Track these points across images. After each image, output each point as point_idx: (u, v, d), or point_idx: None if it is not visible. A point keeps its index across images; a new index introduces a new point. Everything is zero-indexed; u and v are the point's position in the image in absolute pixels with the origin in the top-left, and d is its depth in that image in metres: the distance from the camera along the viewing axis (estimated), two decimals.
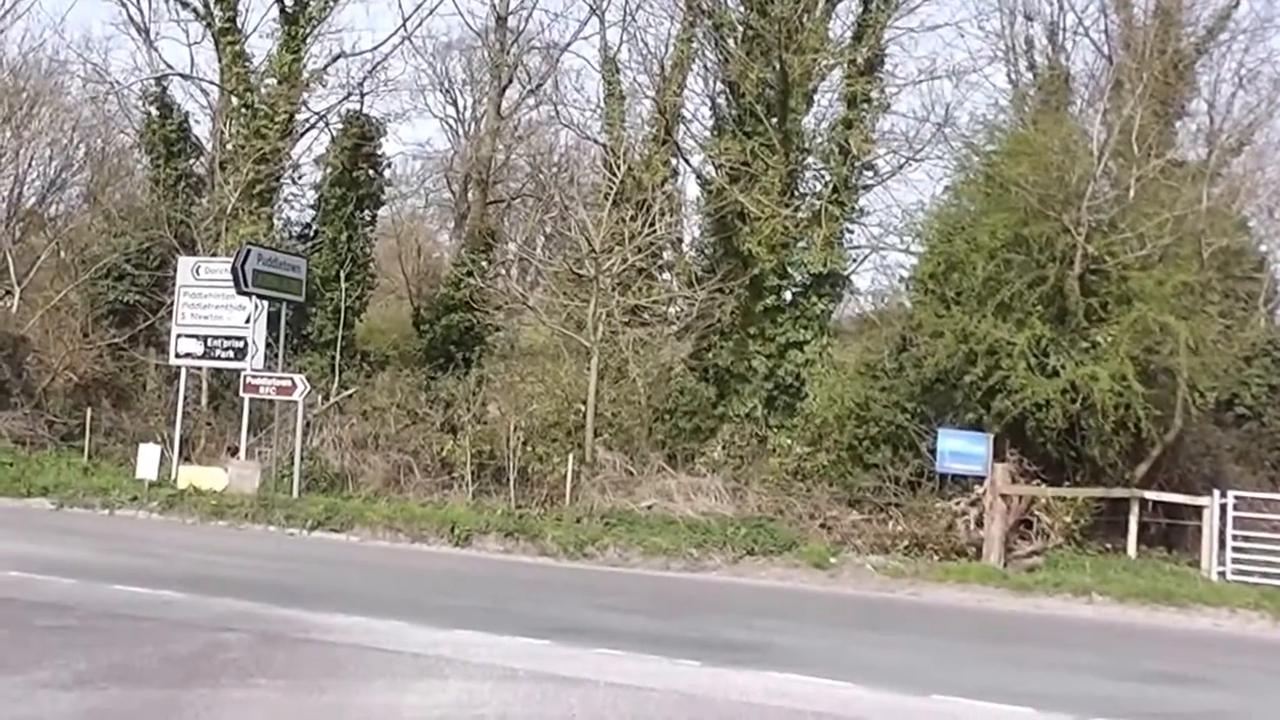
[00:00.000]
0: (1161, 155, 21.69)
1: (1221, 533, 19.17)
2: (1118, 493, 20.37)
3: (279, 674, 9.42)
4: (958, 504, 20.50)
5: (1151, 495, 20.27)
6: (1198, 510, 19.67)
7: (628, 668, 10.49)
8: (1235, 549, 19.05)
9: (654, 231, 25.24)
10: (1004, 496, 19.64)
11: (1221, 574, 18.87)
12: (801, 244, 25.72)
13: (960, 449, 20.37)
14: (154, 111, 30.91)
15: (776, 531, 20.40)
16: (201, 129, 32.11)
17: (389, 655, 10.38)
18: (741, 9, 26.46)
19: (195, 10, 31.42)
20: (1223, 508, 19.22)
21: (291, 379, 23.54)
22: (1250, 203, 23.92)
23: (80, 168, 32.72)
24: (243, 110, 30.48)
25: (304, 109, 31.46)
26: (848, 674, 10.66)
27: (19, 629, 10.85)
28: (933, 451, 20.83)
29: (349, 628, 11.56)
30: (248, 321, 24.40)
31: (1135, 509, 20.01)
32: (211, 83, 32.34)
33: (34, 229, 32.27)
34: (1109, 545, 20.13)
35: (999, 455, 20.21)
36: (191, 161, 31.13)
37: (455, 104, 38.77)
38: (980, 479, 20.08)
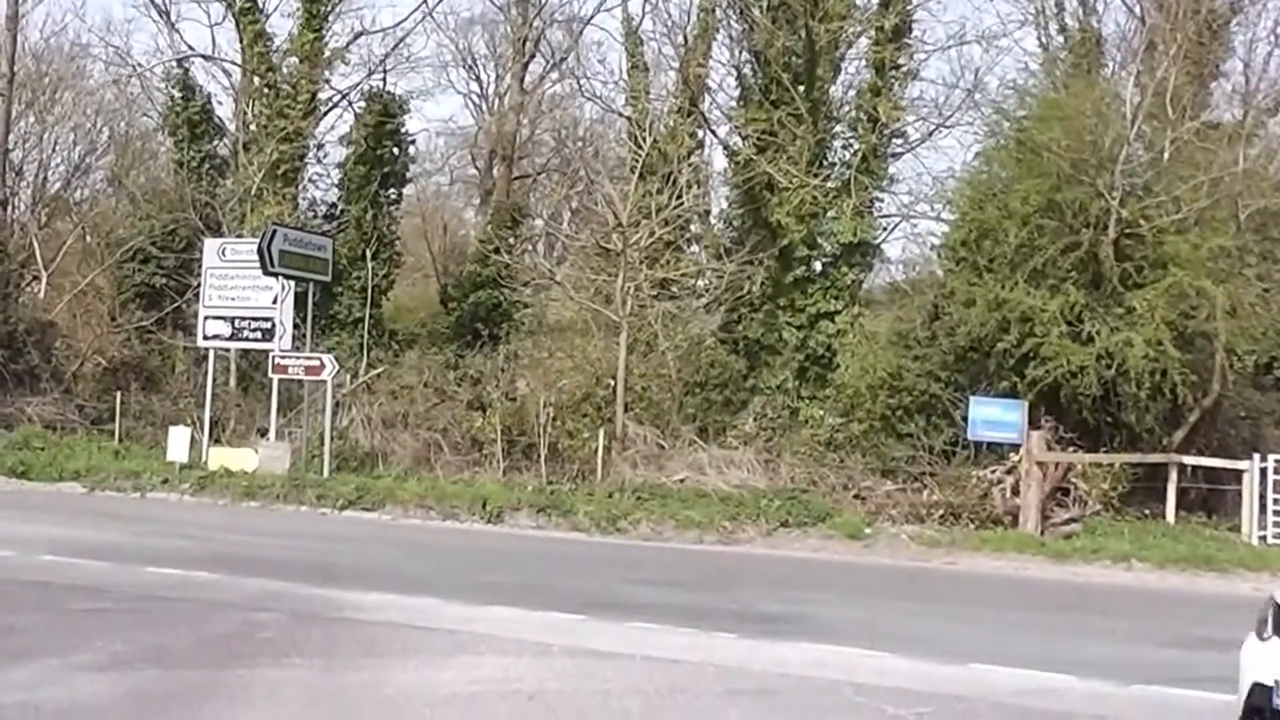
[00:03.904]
0: (1196, 117, 21.40)
1: (1262, 497, 18.98)
2: (1155, 458, 20.15)
3: (314, 653, 9.38)
4: (993, 472, 20.30)
5: (1190, 460, 20.04)
6: (1237, 475, 19.46)
7: (663, 641, 10.41)
8: (1276, 512, 18.84)
9: (681, 204, 25.08)
10: (1039, 464, 19.43)
11: (1262, 538, 18.69)
12: (831, 214, 25.48)
13: (994, 417, 20.17)
14: (176, 93, 30.89)
15: (810, 503, 20.27)
16: (224, 110, 32.18)
17: (424, 632, 10.33)
18: None
19: None
20: (1263, 472, 19.01)
21: (320, 359, 23.53)
22: None
23: (104, 151, 32.79)
24: (265, 90, 30.41)
25: (326, 88, 31.39)
26: (885, 644, 10.55)
27: (55, 612, 10.83)
28: (966, 420, 20.63)
29: (383, 606, 11.52)
30: (275, 302, 24.37)
31: (1173, 474, 19.80)
32: (233, 63, 32.33)
33: (59, 214, 32.36)
34: (1147, 511, 19.92)
35: (1033, 423, 20.01)
36: (215, 143, 31.12)
37: (478, 80, 38.62)
38: (1015, 447, 19.89)
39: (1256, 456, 19.31)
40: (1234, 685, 9.26)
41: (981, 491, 20.14)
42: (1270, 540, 18.56)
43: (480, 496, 20.67)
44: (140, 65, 33.45)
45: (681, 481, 21.95)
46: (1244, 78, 25.11)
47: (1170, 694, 9.27)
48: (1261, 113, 24.00)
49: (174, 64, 31.54)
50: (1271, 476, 18.96)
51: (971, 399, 20.62)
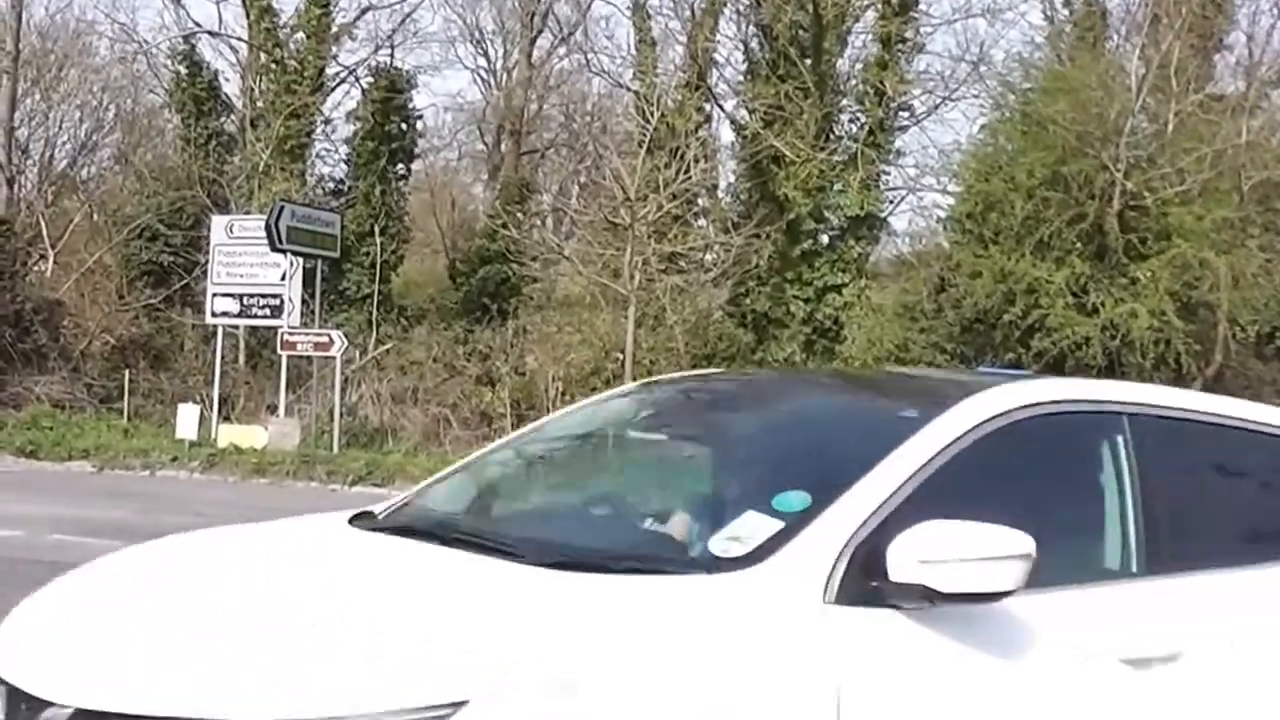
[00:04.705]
0: (1200, 89, 21.43)
1: None
2: None
3: None
4: None
5: None
6: None
7: None
8: None
9: (688, 178, 25.11)
10: None
11: None
12: (837, 187, 25.53)
13: None
14: (183, 70, 30.84)
15: None
16: (231, 86, 32.10)
17: None
18: None
19: None
20: None
21: (329, 335, 23.61)
22: None
23: (110, 129, 32.77)
24: (272, 66, 30.40)
25: (334, 63, 31.38)
26: None
27: None
28: None
29: None
30: (283, 279, 24.42)
31: None
32: (240, 39, 32.29)
33: (66, 192, 32.39)
34: None
35: None
36: (222, 120, 31.09)
37: (486, 55, 38.56)
38: None
39: None
40: None
41: None
42: None
43: None
44: (146, 42, 33.44)
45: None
46: (1247, 50, 25.10)
47: None
48: (1265, 85, 23.98)
49: (180, 40, 31.50)
50: None
51: (978, 370, 20.70)
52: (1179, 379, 20.47)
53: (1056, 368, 20.56)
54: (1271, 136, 22.47)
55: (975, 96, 25.92)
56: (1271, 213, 21.28)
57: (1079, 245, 20.66)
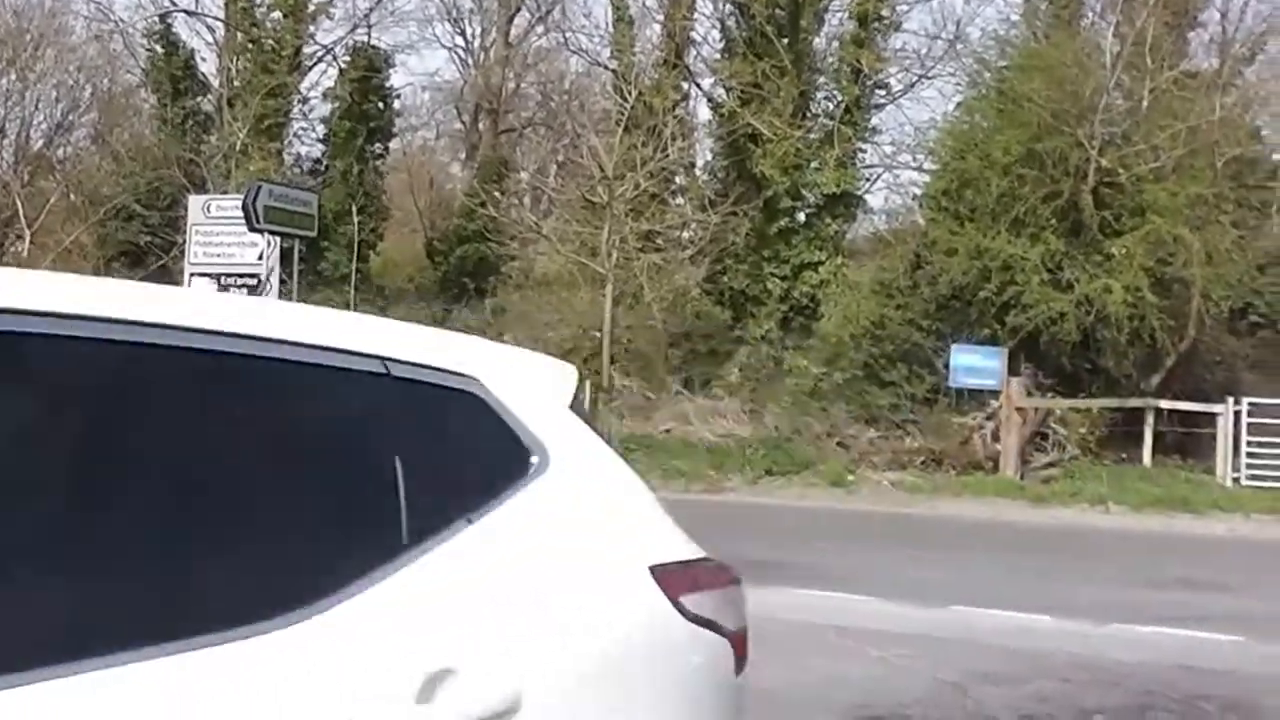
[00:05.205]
0: (1174, 66, 21.56)
1: (1235, 439, 19.34)
2: (1133, 403, 20.49)
3: None
4: (974, 418, 20.60)
5: (1166, 404, 20.38)
6: (1211, 418, 19.80)
7: None
8: (1249, 455, 19.22)
9: (666, 156, 25.17)
10: (1019, 410, 19.72)
11: (1236, 480, 19.06)
12: (814, 165, 25.61)
13: (974, 364, 20.45)
14: (159, 49, 30.73)
15: (794, 451, 20.53)
16: (208, 66, 31.97)
17: None
18: None
19: None
20: (1236, 415, 19.36)
21: None
22: (1263, 112, 23.71)
23: (86, 109, 32.61)
24: (249, 45, 30.31)
25: (310, 42, 31.30)
26: (867, 588, 10.80)
27: None
28: (948, 368, 20.90)
29: None
30: (261, 258, 24.39)
31: (1150, 418, 20.13)
32: (216, 18, 32.14)
33: (42, 172, 32.25)
34: (1124, 455, 20.26)
35: (1014, 370, 20.29)
36: (199, 99, 31.00)
37: (463, 34, 38.38)
38: (995, 393, 20.17)
39: (1230, 400, 19.66)
40: (1207, 623, 9.60)
41: (962, 438, 20.44)
42: (1244, 482, 18.93)
43: None
44: (122, 21, 33.20)
45: (667, 432, 22.21)
46: (1221, 27, 25.24)
47: (1146, 632, 9.53)
48: (1238, 61, 24.12)
49: (156, 19, 31.33)
50: (1245, 420, 19.31)
51: (953, 347, 20.88)
52: (1152, 355, 20.71)
53: (1031, 344, 20.74)
54: (1245, 113, 22.62)
55: (951, 74, 26.09)
56: (1244, 189, 21.44)
57: (1054, 222, 20.80)
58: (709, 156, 29.34)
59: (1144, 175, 20.52)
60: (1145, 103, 21.12)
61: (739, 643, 2.82)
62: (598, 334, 23.93)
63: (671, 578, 2.69)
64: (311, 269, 27.85)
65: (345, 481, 2.38)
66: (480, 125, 35.39)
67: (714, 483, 19.49)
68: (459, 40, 38.48)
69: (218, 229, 24.74)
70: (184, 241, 25.85)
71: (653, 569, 2.68)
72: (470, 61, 38.26)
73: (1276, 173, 24.44)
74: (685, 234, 27.75)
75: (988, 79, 23.46)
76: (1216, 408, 19.72)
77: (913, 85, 26.95)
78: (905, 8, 26.53)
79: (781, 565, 12.28)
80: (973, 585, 11.38)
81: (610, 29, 28.98)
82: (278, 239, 24.35)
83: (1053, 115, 20.72)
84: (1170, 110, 20.81)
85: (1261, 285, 22.89)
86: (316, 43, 31.47)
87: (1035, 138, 20.91)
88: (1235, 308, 22.46)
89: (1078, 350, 20.71)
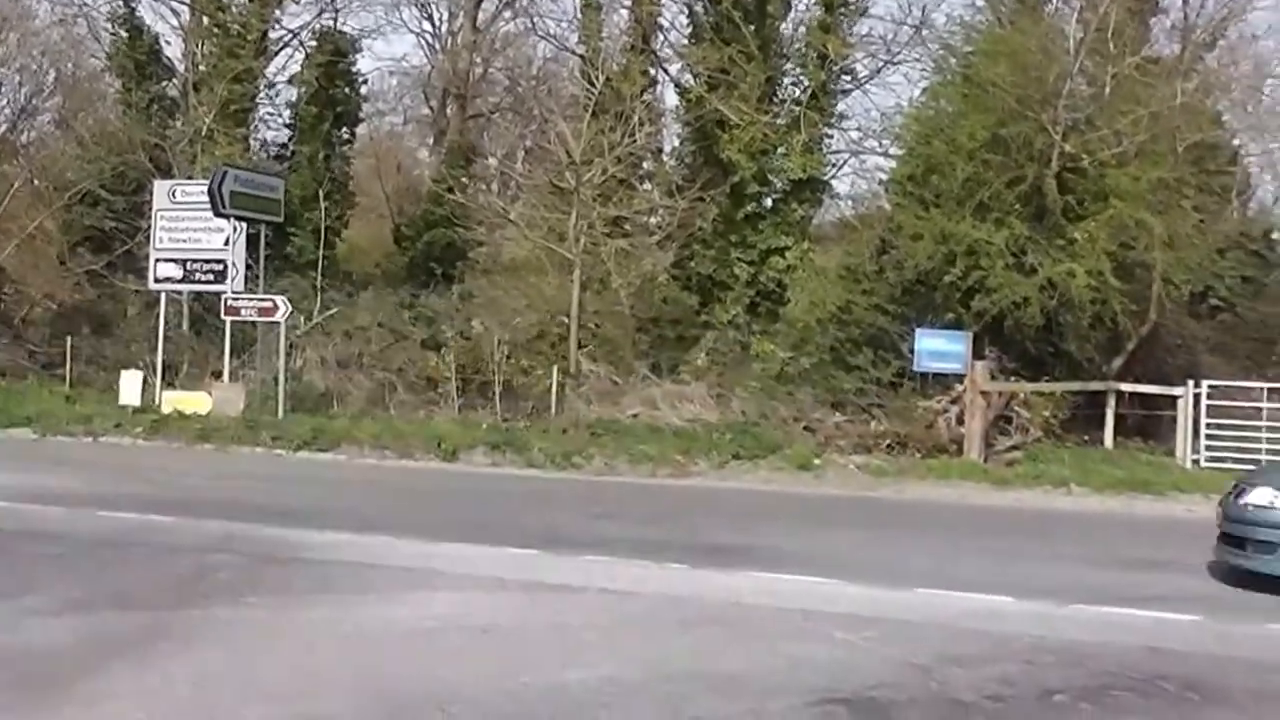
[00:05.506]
0: (1136, 52, 21.70)
1: (1195, 421, 19.56)
2: (1095, 386, 20.71)
3: (270, 592, 9.48)
4: (938, 402, 20.74)
5: (1127, 387, 20.63)
6: (1172, 401, 20.03)
7: (617, 573, 10.65)
8: (1209, 437, 19.46)
9: (633, 142, 25.21)
10: (983, 393, 19.86)
11: (1195, 462, 19.30)
12: (781, 150, 25.71)
13: (939, 348, 20.59)
14: (123, 34, 30.52)
15: (761, 436, 20.62)
16: (173, 50, 31.79)
17: (380, 570, 10.48)
18: None
19: None
20: (1196, 397, 19.60)
21: (273, 300, 23.53)
22: (1223, 97, 23.96)
23: (51, 93, 32.32)
24: (214, 29, 30.12)
25: (276, 27, 31.17)
26: (833, 571, 10.87)
27: (7, 557, 10.76)
28: (913, 352, 21.03)
29: (339, 545, 11.65)
30: (227, 244, 24.31)
31: (1112, 401, 20.37)
32: (181, 2, 31.94)
33: (6, 157, 31.92)
34: (1087, 438, 20.49)
35: (978, 354, 20.44)
36: (164, 84, 30.81)
37: (431, 18, 38.21)
38: (960, 377, 20.31)
39: (1190, 383, 19.88)
40: (1168, 603, 9.75)
41: (927, 421, 20.57)
42: (1203, 463, 19.16)
43: (435, 435, 20.85)
44: (86, 4, 32.92)
45: (635, 417, 22.26)
46: (1183, 13, 25.42)
47: (1107, 613, 9.64)
48: (1199, 47, 24.33)
49: (121, 3, 31.09)
50: (1205, 402, 19.55)
51: (918, 331, 21.02)
52: (1114, 338, 20.92)
53: (995, 328, 20.89)
54: (1205, 98, 22.83)
55: (917, 60, 26.24)
56: (1205, 174, 21.63)
57: (1018, 207, 20.93)
58: (676, 142, 29.45)
59: (1107, 160, 20.68)
60: (1108, 88, 21.29)
61: None
62: (565, 319, 23.96)
63: None
64: (278, 254, 27.77)
65: None
66: (448, 110, 35.29)
67: (681, 467, 19.55)
68: (426, 25, 38.39)
69: (183, 214, 24.66)
70: (149, 227, 25.74)
71: None
72: (438, 46, 38.16)
73: (1236, 158, 24.76)
74: (653, 219, 27.81)
75: (953, 65, 23.55)
76: (1177, 390, 19.95)
77: (879, 71, 27.15)
78: None
79: (748, 549, 12.38)
80: (938, 568, 11.48)
81: (578, 14, 29.03)
82: (244, 224, 24.29)
83: (1017, 101, 20.84)
84: (1133, 96, 20.96)
85: (1221, 269, 23.16)
86: (283, 27, 31.39)
87: (1000, 123, 21.03)
88: (1195, 291, 22.72)
89: (1041, 334, 20.88)
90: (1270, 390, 19.90)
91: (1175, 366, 22.35)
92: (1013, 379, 20.68)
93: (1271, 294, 25.17)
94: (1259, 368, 23.05)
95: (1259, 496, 10.90)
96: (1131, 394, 20.67)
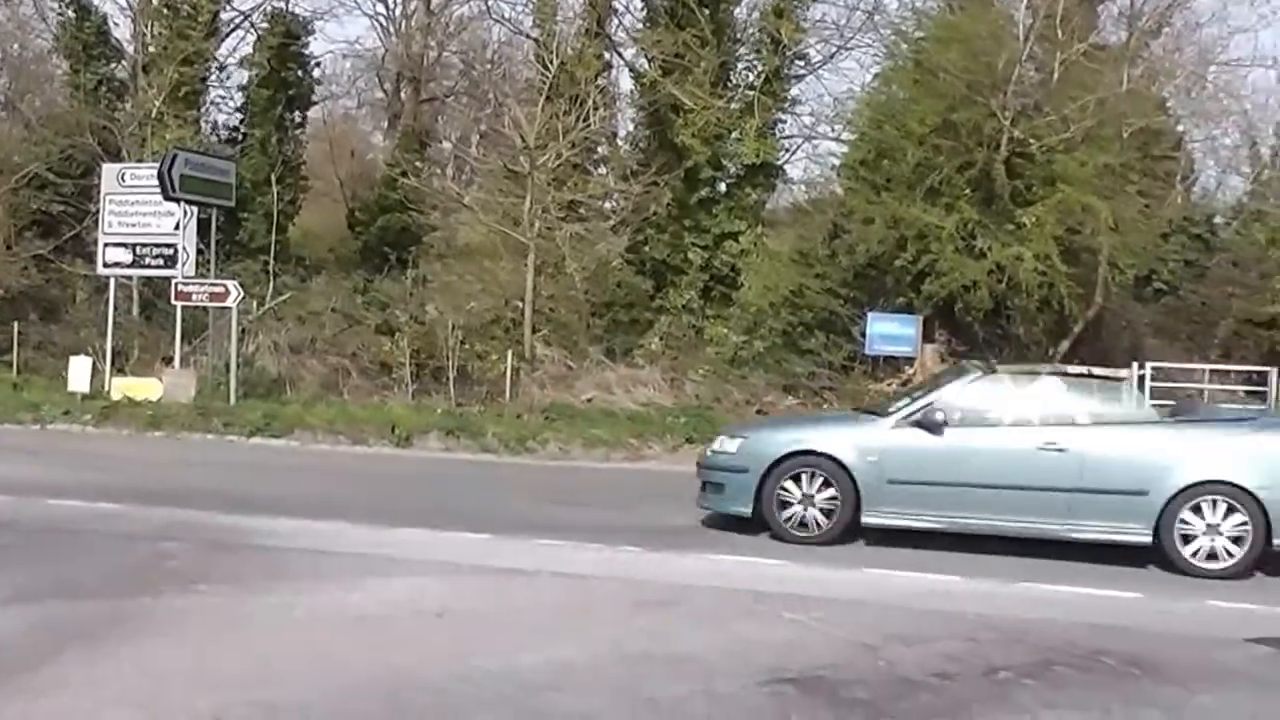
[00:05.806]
0: (1084, 39, 21.94)
1: None
2: (1043, 368, 20.93)
3: (222, 579, 9.44)
4: (889, 385, 20.95)
5: (1073, 370, 20.84)
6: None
7: (570, 557, 10.73)
8: None
9: (588, 126, 25.19)
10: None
11: None
12: (734, 135, 25.80)
13: (890, 332, 20.82)
14: (71, 14, 30.06)
15: (715, 419, 20.71)
16: (122, 31, 31.29)
17: (333, 556, 10.49)
18: None
19: None
20: (1140, 379, 19.88)
21: (224, 285, 23.32)
22: (1168, 84, 24.32)
23: None
24: (164, 10, 29.70)
25: (228, 8, 30.80)
26: (784, 554, 11.02)
27: None
28: (865, 335, 21.22)
29: (293, 531, 11.62)
30: (177, 228, 24.07)
31: None
32: None
33: None
34: None
35: (929, 337, 20.69)
36: (113, 65, 30.37)
37: (384, 1, 38.08)
38: (911, 360, 20.53)
39: (1135, 365, 20.20)
40: (1109, 581, 9.93)
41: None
42: None
43: (389, 420, 20.78)
44: None
45: (589, 401, 22.33)
46: (1129, 1, 25.72)
47: (1049, 590, 9.93)
48: (1145, 35, 24.63)
49: None
50: (1149, 384, 19.87)
51: (869, 315, 21.24)
52: (1061, 321, 21.20)
53: (946, 311, 21.13)
54: (1151, 85, 23.17)
55: (869, 45, 26.44)
56: (1150, 159, 21.98)
57: (968, 191, 21.17)
58: (631, 126, 29.47)
59: (1054, 146, 20.94)
60: (1056, 75, 21.55)
61: None
62: (520, 304, 23.97)
63: None
64: (229, 239, 27.56)
65: None
66: (402, 94, 35.13)
67: (635, 451, 19.64)
68: (380, 7, 38.25)
69: (133, 198, 24.38)
70: (98, 211, 25.45)
71: None
72: (391, 29, 37.95)
73: (1180, 143, 25.12)
74: (607, 204, 27.84)
75: (905, 50, 23.76)
76: (1121, 373, 20.14)
77: (832, 56, 27.31)
78: None
79: (701, 532, 12.49)
80: (882, 549, 11.62)
81: None
82: (194, 208, 24.07)
83: (967, 86, 21.06)
84: (1080, 82, 21.23)
85: (1165, 253, 23.56)
86: (234, 8, 31.04)
87: (950, 108, 21.24)
88: (1140, 275, 23.09)
89: (990, 317, 21.17)
90: (1211, 371, 20.26)
91: (1120, 349, 22.70)
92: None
93: (1213, 277, 25.61)
94: (1200, 350, 23.46)
95: (717, 444, 12.52)
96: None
